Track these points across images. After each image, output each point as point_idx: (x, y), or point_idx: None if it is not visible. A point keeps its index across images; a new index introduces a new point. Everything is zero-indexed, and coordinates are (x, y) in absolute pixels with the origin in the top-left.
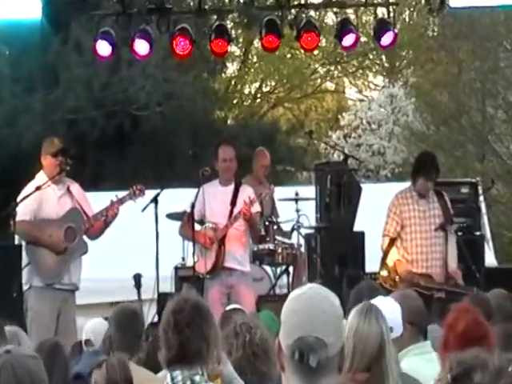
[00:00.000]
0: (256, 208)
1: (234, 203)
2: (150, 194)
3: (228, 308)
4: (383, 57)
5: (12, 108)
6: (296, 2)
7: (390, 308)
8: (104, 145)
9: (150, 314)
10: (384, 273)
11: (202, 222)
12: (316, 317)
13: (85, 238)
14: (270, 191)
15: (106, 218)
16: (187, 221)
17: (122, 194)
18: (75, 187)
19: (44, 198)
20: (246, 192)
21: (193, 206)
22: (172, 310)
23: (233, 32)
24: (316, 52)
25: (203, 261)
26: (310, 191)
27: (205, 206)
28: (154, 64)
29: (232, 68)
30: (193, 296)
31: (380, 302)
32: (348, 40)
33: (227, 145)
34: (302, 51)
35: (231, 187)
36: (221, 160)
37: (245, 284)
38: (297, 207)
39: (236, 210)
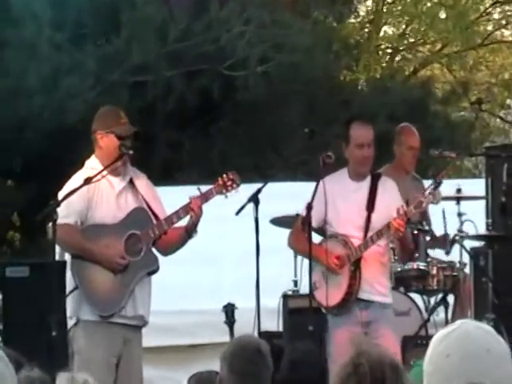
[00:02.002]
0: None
1: (371, 207)
2: (246, 189)
3: None
4: None
5: (52, 66)
6: None
7: None
8: (182, 119)
9: None
10: None
11: (320, 232)
12: (480, 357)
13: (154, 251)
14: (435, 197)
15: (187, 224)
16: (302, 228)
17: (206, 187)
18: (141, 180)
19: (97, 194)
20: (388, 189)
21: (309, 208)
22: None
23: None
24: None
25: (327, 289)
26: (477, 186)
27: (327, 209)
28: (258, 2)
29: (365, 9)
30: (371, 353)
31: None
32: None
33: (364, 123)
34: None
35: (367, 183)
36: (355, 145)
37: (386, 321)
38: (459, 209)
39: (375, 217)
